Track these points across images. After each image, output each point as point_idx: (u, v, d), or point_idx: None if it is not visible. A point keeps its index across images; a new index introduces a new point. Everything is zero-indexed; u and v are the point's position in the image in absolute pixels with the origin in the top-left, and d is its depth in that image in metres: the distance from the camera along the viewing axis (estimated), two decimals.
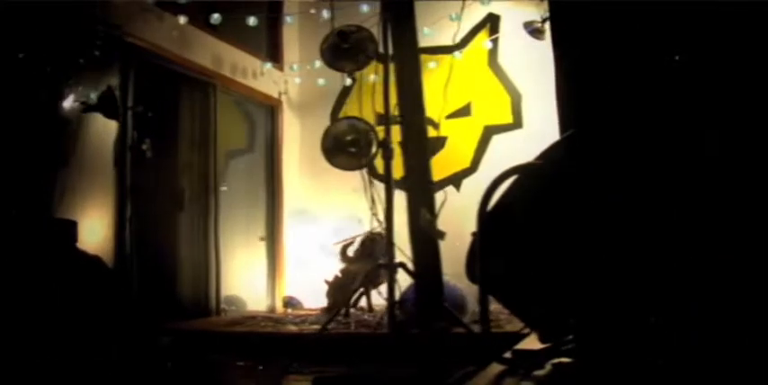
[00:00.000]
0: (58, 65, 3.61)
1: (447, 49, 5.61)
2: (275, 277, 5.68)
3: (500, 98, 5.50)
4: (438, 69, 5.61)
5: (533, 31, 4.94)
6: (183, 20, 4.65)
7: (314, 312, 4.92)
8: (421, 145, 2.50)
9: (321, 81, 5.81)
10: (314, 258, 5.62)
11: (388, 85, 2.84)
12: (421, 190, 2.45)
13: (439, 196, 3.24)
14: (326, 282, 4.81)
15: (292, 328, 4.05)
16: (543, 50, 5.39)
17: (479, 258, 2.43)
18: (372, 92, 5.80)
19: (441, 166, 5.60)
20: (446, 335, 2.33)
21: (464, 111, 5.61)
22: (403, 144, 2.69)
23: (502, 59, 5.52)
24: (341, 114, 6.03)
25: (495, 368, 2.12)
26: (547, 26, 5.14)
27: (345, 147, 2.82)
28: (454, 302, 3.73)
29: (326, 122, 5.98)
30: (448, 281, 3.83)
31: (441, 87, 5.66)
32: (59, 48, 3.69)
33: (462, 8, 5.24)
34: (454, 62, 5.59)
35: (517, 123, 5.41)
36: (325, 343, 3.18)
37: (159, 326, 3.84)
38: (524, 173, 2.42)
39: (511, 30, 5.41)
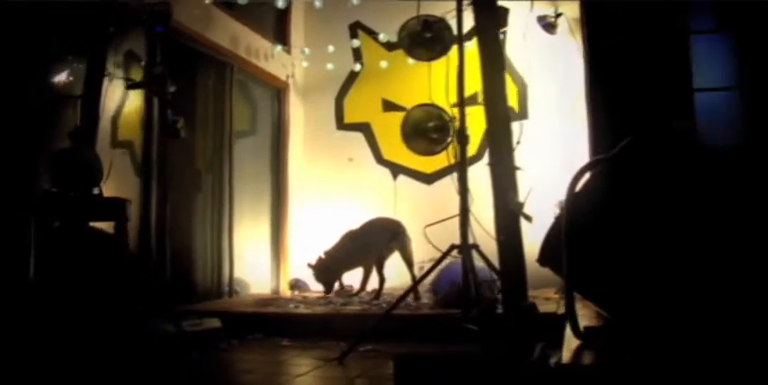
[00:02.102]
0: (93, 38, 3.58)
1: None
2: (279, 259, 5.72)
3: (507, 88, 5.64)
4: (450, 58, 5.70)
5: (546, 25, 5.10)
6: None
7: (322, 294, 4.99)
8: (506, 130, 2.61)
9: (330, 66, 5.85)
10: (319, 239, 5.69)
11: (462, 71, 2.92)
12: (507, 174, 2.56)
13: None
14: (310, 265, 4.84)
15: (322, 309, 4.14)
16: (549, 43, 5.59)
17: (567, 247, 2.58)
18: (381, 79, 5.95)
19: (447, 154, 5.74)
20: (535, 314, 2.45)
21: (471, 101, 5.71)
22: (488, 129, 2.80)
23: (509, 50, 5.65)
24: (346, 99, 6.09)
25: (572, 343, 2.28)
26: (560, 21, 5.31)
27: (428, 133, 2.91)
28: (486, 284, 3.90)
29: (331, 106, 6.07)
30: (483, 267, 3.99)
31: (449, 76, 5.77)
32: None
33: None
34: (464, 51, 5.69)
35: (523, 113, 5.57)
36: (388, 322, 3.27)
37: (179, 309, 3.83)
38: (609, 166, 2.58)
39: (518, 22, 5.54)
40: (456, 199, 5.70)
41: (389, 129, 5.91)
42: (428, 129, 2.88)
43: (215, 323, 3.41)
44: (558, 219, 2.78)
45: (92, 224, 3.36)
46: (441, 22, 2.90)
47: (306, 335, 3.73)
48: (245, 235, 5.35)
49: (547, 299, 3.93)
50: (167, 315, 3.22)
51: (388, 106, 5.94)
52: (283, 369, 3.03)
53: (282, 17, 5.88)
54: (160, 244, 4.20)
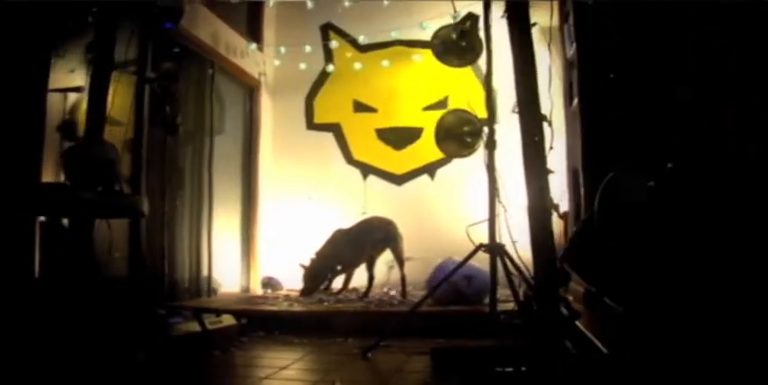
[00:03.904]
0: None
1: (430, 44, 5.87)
2: (250, 257, 5.69)
3: (476, 93, 5.85)
4: (421, 62, 5.87)
5: None
6: None
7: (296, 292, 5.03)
8: (540, 134, 2.76)
9: (303, 65, 5.88)
10: (290, 238, 5.73)
11: (490, 76, 3.05)
12: (540, 176, 2.71)
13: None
14: (302, 266, 4.90)
15: (319, 306, 4.19)
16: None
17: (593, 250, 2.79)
18: (352, 80, 6.02)
19: (417, 156, 5.91)
20: (573, 312, 2.61)
21: (442, 104, 5.90)
22: (522, 133, 2.94)
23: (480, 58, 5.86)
24: (317, 99, 6.13)
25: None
26: (534, 30, 5.55)
27: (462, 137, 3.03)
28: (483, 284, 4.07)
29: (301, 105, 6.09)
30: (476, 265, 4.15)
31: (421, 80, 5.94)
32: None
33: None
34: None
35: (492, 118, 5.78)
36: (412, 319, 3.36)
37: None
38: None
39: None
40: (426, 200, 5.91)
41: (360, 130, 6.02)
42: (463, 133, 3.00)
43: (231, 320, 3.41)
44: (586, 225, 2.99)
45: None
46: (476, 33, 3.04)
47: (308, 332, 3.78)
48: (217, 233, 5.31)
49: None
50: (189, 313, 3.19)
51: (359, 107, 6.02)
52: (315, 364, 3.07)
53: (255, 15, 5.86)
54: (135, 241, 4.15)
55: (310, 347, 3.43)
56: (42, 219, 3.24)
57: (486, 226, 3.22)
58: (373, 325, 3.75)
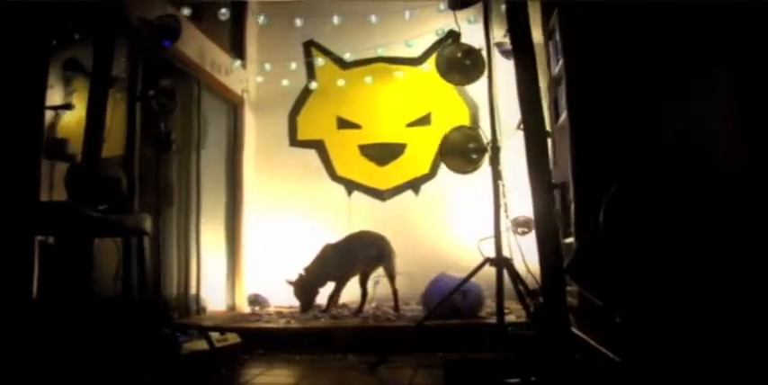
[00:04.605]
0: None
1: (412, 61, 5.98)
2: (235, 275, 5.65)
3: (459, 110, 5.95)
4: (403, 79, 5.96)
5: (505, 51, 5.44)
6: (186, 12, 4.56)
7: (288, 309, 5.02)
8: (542, 149, 2.84)
9: (285, 82, 5.91)
10: (275, 255, 5.71)
11: (492, 92, 3.12)
12: (544, 190, 2.79)
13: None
14: (289, 282, 4.90)
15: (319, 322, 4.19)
16: (502, 67, 5.97)
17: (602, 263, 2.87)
18: (335, 97, 6.07)
19: (401, 172, 5.97)
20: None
21: (425, 121, 5.99)
22: (526, 148, 3.01)
23: None
24: (300, 116, 6.16)
25: None
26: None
27: (467, 153, 3.09)
28: (477, 297, 4.13)
29: (283, 122, 6.11)
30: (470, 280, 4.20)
31: (403, 96, 6.02)
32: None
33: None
34: (418, 73, 5.97)
35: None
36: (422, 334, 3.39)
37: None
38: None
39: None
40: (411, 215, 5.95)
41: (344, 146, 6.06)
42: (469, 150, 3.07)
43: (235, 338, 3.39)
44: (591, 238, 3.06)
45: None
46: (480, 52, 3.12)
47: (307, 349, 3.78)
48: (204, 250, 5.27)
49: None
50: (195, 332, 3.17)
51: (343, 124, 6.07)
52: (323, 381, 3.08)
53: (238, 32, 5.87)
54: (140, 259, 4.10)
55: (313, 364, 3.43)
56: (40, 238, 3.20)
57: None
58: (372, 340, 3.78)
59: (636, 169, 3.17)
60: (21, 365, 2.65)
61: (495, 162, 3.07)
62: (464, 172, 3.19)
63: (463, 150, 3.09)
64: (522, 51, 2.99)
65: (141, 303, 3.14)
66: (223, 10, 4.83)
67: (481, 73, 3.17)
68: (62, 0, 3.42)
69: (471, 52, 3.19)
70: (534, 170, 2.96)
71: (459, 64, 3.24)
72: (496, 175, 3.04)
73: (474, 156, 3.08)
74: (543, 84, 4.94)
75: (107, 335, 2.88)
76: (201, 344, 3.10)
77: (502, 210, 2.97)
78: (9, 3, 3.19)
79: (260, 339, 3.81)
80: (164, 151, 3.90)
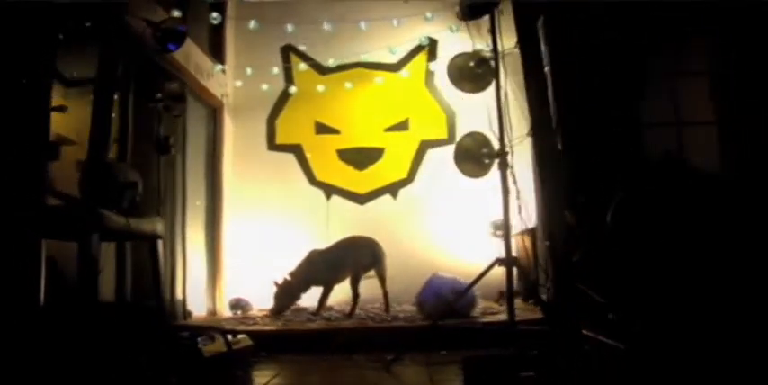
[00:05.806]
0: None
1: (391, 67, 6.08)
2: (216, 279, 5.62)
3: (436, 115, 6.09)
4: (382, 84, 6.06)
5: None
6: (176, 13, 4.54)
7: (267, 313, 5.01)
8: (554, 157, 2.99)
9: (264, 86, 5.93)
10: (255, 258, 5.71)
11: (500, 103, 3.23)
12: (557, 195, 2.94)
13: None
14: (276, 283, 4.94)
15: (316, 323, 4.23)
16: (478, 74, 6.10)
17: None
18: (313, 102, 6.12)
19: (379, 176, 6.06)
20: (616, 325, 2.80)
21: (402, 126, 6.10)
22: (538, 156, 3.16)
23: (437, 81, 6.10)
24: (278, 120, 6.18)
25: None
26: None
27: (480, 158, 3.20)
28: (471, 298, 4.24)
29: (261, 126, 6.13)
30: (459, 279, 4.32)
31: (382, 101, 6.11)
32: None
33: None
34: (396, 79, 6.07)
35: (452, 139, 5.99)
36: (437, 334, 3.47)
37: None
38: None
39: (447, 54, 6.02)
40: (389, 219, 6.03)
41: (322, 151, 6.11)
42: (481, 155, 3.19)
43: (247, 341, 3.41)
44: (597, 242, 3.23)
45: None
46: (491, 61, 3.24)
47: (309, 350, 3.81)
48: (188, 254, 5.23)
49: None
50: (207, 334, 3.17)
51: (321, 129, 6.12)
52: (342, 379, 3.13)
53: (217, 36, 5.86)
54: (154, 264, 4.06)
55: (323, 364, 3.48)
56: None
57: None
58: (373, 340, 3.85)
59: (636, 176, 3.35)
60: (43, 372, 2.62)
61: (504, 166, 3.19)
62: (477, 176, 3.30)
63: (476, 155, 3.21)
64: (531, 64, 3.15)
65: (157, 308, 3.12)
66: (214, 14, 4.82)
67: (489, 82, 3.28)
68: (65, 1, 3.38)
69: (483, 61, 3.31)
70: (545, 174, 3.12)
71: (471, 73, 3.36)
72: (505, 179, 3.16)
73: (486, 161, 3.20)
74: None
75: (126, 340, 2.87)
76: (215, 347, 3.11)
77: (515, 212, 3.09)
78: (12, 3, 3.15)
79: (259, 342, 3.83)
80: (163, 154, 3.88)
